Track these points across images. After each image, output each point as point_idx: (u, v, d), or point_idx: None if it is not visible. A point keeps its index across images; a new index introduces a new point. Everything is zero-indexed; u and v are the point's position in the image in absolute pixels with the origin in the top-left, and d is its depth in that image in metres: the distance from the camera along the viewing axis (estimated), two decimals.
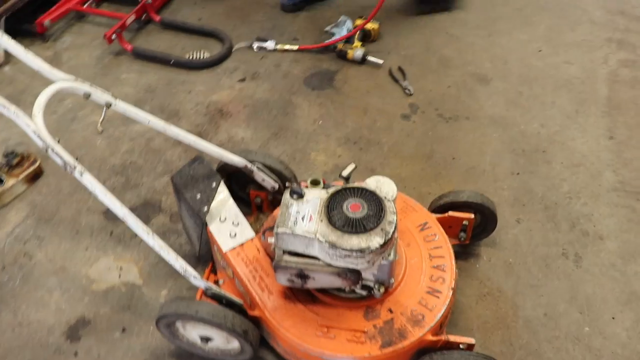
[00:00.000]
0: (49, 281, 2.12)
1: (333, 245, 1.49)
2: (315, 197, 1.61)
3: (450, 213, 1.89)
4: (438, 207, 1.96)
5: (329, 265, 1.55)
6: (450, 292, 1.70)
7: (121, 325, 1.97)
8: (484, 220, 1.99)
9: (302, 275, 1.59)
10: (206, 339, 1.74)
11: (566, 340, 1.85)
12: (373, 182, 1.68)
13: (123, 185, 2.44)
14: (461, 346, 1.62)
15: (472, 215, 1.90)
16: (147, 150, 2.59)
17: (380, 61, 2.87)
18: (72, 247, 2.23)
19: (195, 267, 2.08)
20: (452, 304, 1.76)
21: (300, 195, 1.62)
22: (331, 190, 1.62)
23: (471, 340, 1.61)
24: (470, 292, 1.97)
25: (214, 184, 1.93)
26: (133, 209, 2.33)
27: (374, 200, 1.57)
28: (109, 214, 2.31)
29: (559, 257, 2.07)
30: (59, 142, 1.63)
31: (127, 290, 2.07)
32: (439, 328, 1.68)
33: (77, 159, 1.62)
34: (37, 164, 2.49)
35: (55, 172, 2.51)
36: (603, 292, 1.97)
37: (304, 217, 1.56)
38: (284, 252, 1.60)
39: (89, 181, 1.61)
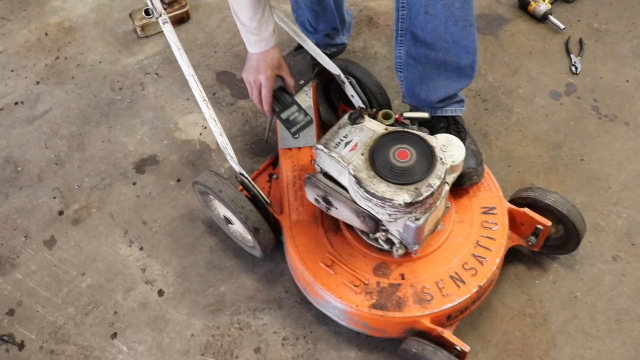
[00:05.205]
0: (147, 114, 2.28)
1: (359, 182, 1.36)
2: (371, 129, 1.47)
3: (527, 210, 1.61)
4: (518, 199, 1.68)
5: (352, 201, 1.43)
6: (475, 289, 1.49)
7: (178, 177, 2.07)
8: (566, 235, 1.67)
9: (327, 200, 1.50)
10: (228, 220, 1.75)
11: None
12: (443, 139, 1.48)
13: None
14: (457, 348, 1.43)
15: (549, 223, 1.59)
16: None
17: (562, 26, 2.44)
18: (177, 92, 2.34)
19: (264, 155, 2.11)
20: (473, 303, 1.55)
21: (357, 121, 1.48)
22: (391, 128, 1.46)
23: (465, 347, 1.41)
24: (512, 304, 1.72)
25: (302, 81, 1.88)
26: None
27: (427, 157, 1.39)
28: (221, 77, 2.37)
29: None
30: None
31: (200, 149, 2.15)
32: (444, 319, 1.50)
33: (166, 8, 1.64)
34: (185, 9, 2.59)
35: (199, 22, 2.61)
36: None
37: (348, 143, 1.44)
38: (322, 170, 1.51)
39: (168, 32, 1.64)
